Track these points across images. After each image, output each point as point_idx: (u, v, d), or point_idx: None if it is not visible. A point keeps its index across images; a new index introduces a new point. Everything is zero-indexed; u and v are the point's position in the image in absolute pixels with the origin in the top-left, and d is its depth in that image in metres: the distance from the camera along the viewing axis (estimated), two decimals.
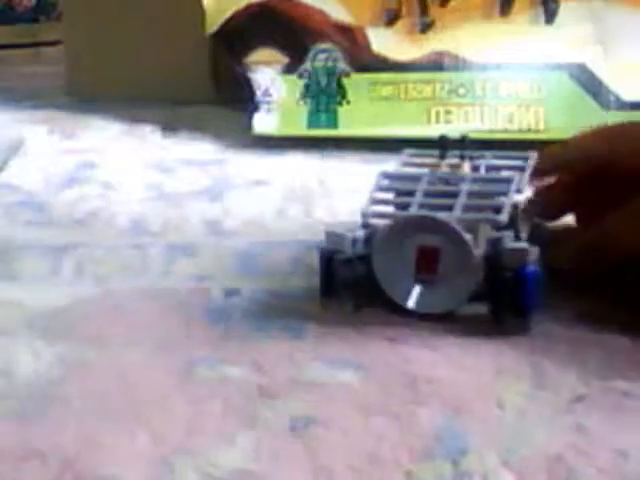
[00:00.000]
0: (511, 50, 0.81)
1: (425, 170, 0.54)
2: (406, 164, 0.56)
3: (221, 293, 0.53)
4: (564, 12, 0.82)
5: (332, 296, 0.51)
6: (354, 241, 0.50)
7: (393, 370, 0.44)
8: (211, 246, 0.60)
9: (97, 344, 0.47)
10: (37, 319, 0.50)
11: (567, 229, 0.55)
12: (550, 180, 0.55)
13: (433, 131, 0.80)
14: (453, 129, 0.80)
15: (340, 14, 0.85)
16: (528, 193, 0.53)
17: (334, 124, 0.82)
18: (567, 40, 0.81)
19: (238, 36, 0.88)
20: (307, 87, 0.83)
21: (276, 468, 0.37)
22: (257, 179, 0.74)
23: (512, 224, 0.50)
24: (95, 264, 0.58)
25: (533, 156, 0.55)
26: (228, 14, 0.89)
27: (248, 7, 0.87)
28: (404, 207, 0.51)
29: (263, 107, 0.84)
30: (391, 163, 0.57)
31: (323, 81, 0.83)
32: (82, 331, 0.49)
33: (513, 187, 0.51)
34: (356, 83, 0.83)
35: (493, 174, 0.55)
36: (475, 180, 0.52)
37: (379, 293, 0.49)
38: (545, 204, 0.54)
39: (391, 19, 0.85)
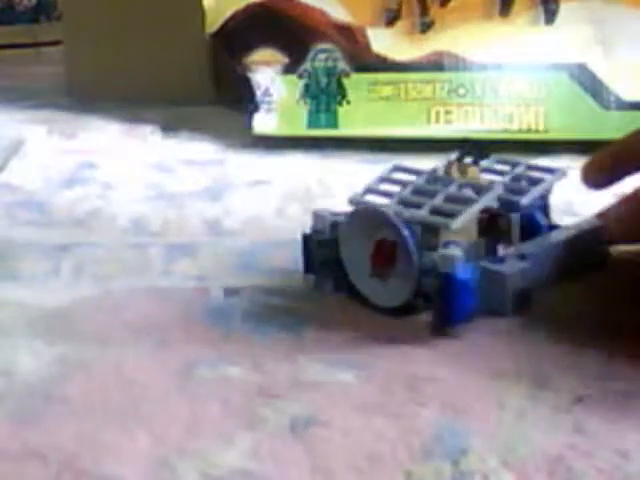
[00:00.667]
0: (511, 50, 0.81)
1: (437, 169, 0.54)
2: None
3: (221, 293, 0.53)
4: (564, 12, 0.82)
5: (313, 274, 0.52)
6: (334, 224, 0.51)
7: (393, 370, 0.44)
8: (211, 246, 0.60)
9: (97, 344, 0.47)
10: (37, 319, 0.50)
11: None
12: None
13: (433, 131, 0.80)
14: (453, 129, 0.80)
15: (340, 14, 0.85)
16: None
17: (334, 124, 0.82)
18: (567, 40, 0.81)
19: (238, 36, 0.88)
20: (307, 87, 0.83)
21: (276, 468, 0.37)
22: (257, 179, 0.74)
23: (489, 231, 0.50)
24: (95, 264, 0.58)
25: (560, 172, 0.55)
26: (228, 14, 0.89)
27: (248, 7, 0.87)
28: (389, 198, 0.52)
29: (263, 107, 0.84)
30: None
31: (323, 81, 0.83)
32: (82, 331, 0.49)
33: (489, 196, 0.51)
34: (356, 83, 0.83)
35: (478, 181, 0.54)
36: (461, 185, 0.52)
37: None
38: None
39: (391, 19, 0.85)
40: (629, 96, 0.79)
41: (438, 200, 0.50)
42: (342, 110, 0.82)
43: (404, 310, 0.48)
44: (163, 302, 0.52)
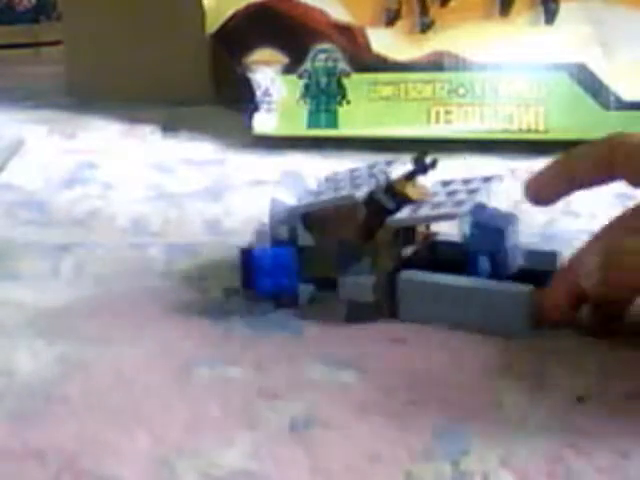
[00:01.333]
0: (511, 50, 0.81)
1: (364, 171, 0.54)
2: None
3: (221, 293, 0.53)
4: (564, 12, 0.82)
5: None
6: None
7: (393, 370, 0.44)
8: (211, 246, 0.60)
9: (97, 344, 0.47)
10: (37, 319, 0.50)
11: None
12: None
13: (433, 131, 0.80)
14: (453, 129, 0.80)
15: (340, 14, 0.85)
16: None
17: (334, 124, 0.82)
18: (567, 40, 0.81)
19: (238, 36, 0.88)
20: (307, 87, 0.83)
21: (276, 468, 0.37)
22: (257, 179, 0.74)
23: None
24: (95, 264, 0.58)
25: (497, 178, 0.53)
26: (228, 14, 0.89)
27: (248, 7, 0.87)
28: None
29: (263, 107, 0.84)
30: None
31: (323, 81, 0.83)
32: (82, 331, 0.49)
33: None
34: (356, 83, 0.83)
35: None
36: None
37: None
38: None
39: (391, 19, 0.85)
40: (629, 96, 0.79)
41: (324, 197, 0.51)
42: (342, 110, 0.82)
43: None
44: (163, 302, 0.52)
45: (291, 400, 0.42)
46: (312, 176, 0.73)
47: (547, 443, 0.38)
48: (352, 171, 0.55)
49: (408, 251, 0.51)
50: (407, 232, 0.50)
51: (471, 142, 0.80)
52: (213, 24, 0.91)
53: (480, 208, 0.49)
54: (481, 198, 0.50)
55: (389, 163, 0.54)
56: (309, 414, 0.40)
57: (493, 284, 0.47)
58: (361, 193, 0.50)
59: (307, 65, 0.84)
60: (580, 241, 0.59)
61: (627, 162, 0.48)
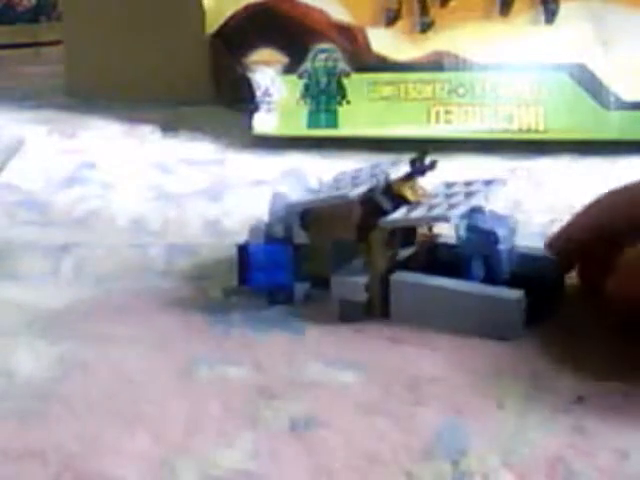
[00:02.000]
0: (511, 50, 0.81)
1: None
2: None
3: (221, 293, 0.53)
4: (564, 12, 0.82)
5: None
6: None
7: (393, 370, 0.44)
8: (211, 246, 0.60)
9: (97, 344, 0.47)
10: (37, 319, 0.50)
11: None
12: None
13: (433, 131, 0.80)
14: (453, 129, 0.80)
15: (340, 14, 0.85)
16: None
17: (334, 124, 0.82)
18: (567, 40, 0.81)
19: (238, 36, 0.88)
20: (307, 87, 0.83)
21: (276, 468, 0.37)
22: (257, 179, 0.74)
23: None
24: (95, 264, 0.58)
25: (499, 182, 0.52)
26: (228, 14, 0.89)
27: (248, 7, 0.87)
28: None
29: (263, 107, 0.84)
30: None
31: (323, 81, 0.83)
32: (82, 331, 0.49)
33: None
34: (356, 83, 0.83)
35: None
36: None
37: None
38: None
39: (391, 19, 0.85)
40: (629, 96, 0.79)
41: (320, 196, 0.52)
42: (342, 110, 0.82)
43: None
44: (163, 302, 0.52)
45: (291, 400, 0.42)
46: (312, 176, 0.73)
47: (547, 443, 0.38)
48: (357, 171, 0.55)
49: (407, 252, 0.50)
50: (406, 233, 0.50)
51: (471, 142, 0.80)
52: (213, 24, 0.91)
53: (476, 211, 0.49)
54: (478, 201, 0.49)
55: (394, 163, 0.54)
56: (309, 414, 0.40)
57: (482, 288, 0.47)
58: (355, 192, 0.50)
59: (307, 65, 0.84)
60: None
61: None
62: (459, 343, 0.46)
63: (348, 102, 0.82)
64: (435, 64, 0.82)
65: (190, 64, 0.97)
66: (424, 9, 0.85)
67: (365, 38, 0.84)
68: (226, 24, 0.90)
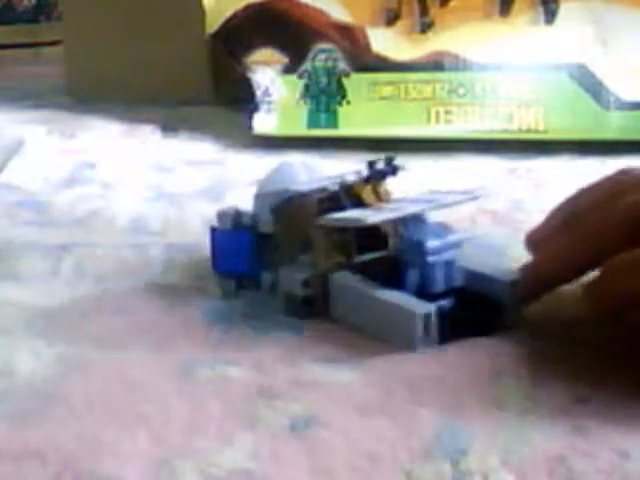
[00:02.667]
0: (511, 50, 0.81)
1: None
2: None
3: (221, 293, 0.53)
4: (564, 12, 0.82)
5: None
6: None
7: (393, 370, 0.44)
8: None
9: (97, 344, 0.47)
10: (37, 319, 0.50)
11: None
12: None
13: (433, 131, 0.81)
14: (453, 129, 0.81)
15: (340, 14, 0.85)
16: None
17: (334, 124, 0.82)
18: (567, 40, 0.81)
19: (238, 36, 0.88)
20: (307, 87, 0.83)
21: (276, 468, 0.37)
22: (257, 179, 0.74)
23: None
24: (95, 264, 0.58)
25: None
26: (228, 14, 0.89)
27: (248, 7, 0.87)
28: None
29: (263, 107, 0.84)
30: None
31: (323, 81, 0.83)
32: (82, 331, 0.49)
33: None
34: (356, 83, 0.83)
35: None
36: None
37: None
38: None
39: (391, 19, 0.85)
40: (629, 96, 0.79)
41: None
42: (342, 110, 0.82)
43: None
44: (163, 302, 0.52)
45: (291, 400, 0.42)
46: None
47: (547, 443, 0.38)
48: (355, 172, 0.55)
49: (370, 256, 0.50)
50: (370, 236, 0.50)
51: (471, 142, 0.80)
52: (213, 24, 0.91)
53: (417, 221, 0.49)
54: (419, 210, 0.49)
55: (387, 160, 0.53)
56: (309, 414, 0.40)
57: (399, 299, 0.47)
58: (308, 187, 0.50)
59: (307, 65, 0.84)
60: None
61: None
62: (458, 343, 0.46)
63: (348, 102, 0.82)
64: (435, 64, 0.82)
65: (190, 64, 0.97)
66: (424, 9, 0.85)
67: (365, 38, 0.84)
68: (226, 24, 0.90)
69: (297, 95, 0.83)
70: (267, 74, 0.85)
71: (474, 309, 0.47)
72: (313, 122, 0.83)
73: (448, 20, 0.84)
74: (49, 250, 0.60)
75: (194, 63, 0.97)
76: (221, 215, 0.54)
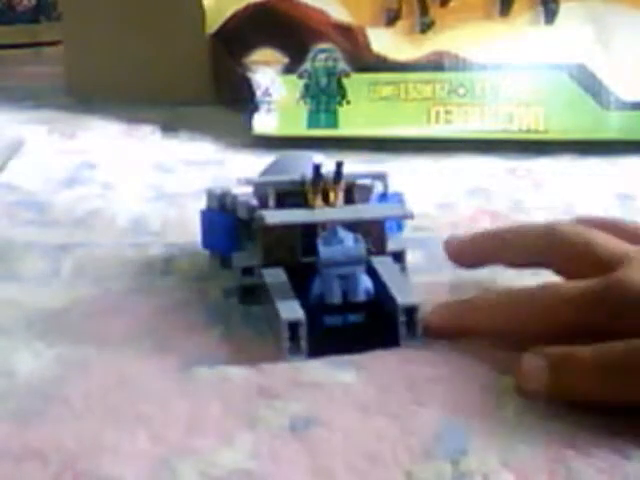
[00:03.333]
0: (511, 50, 0.81)
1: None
2: None
3: (220, 293, 0.53)
4: (564, 12, 0.82)
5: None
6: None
7: (393, 370, 0.44)
8: None
9: (97, 344, 0.47)
10: (37, 319, 0.50)
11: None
12: None
13: (433, 131, 0.81)
14: (453, 129, 0.80)
15: (340, 14, 0.85)
16: None
17: (334, 124, 0.82)
18: (567, 40, 0.81)
19: (238, 36, 0.88)
20: (307, 87, 0.83)
21: (276, 468, 0.37)
22: None
23: None
24: (95, 264, 0.58)
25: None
26: (228, 14, 0.89)
27: (248, 7, 0.87)
28: None
29: (263, 107, 0.84)
30: None
31: (323, 81, 0.83)
32: (82, 331, 0.49)
33: None
34: (356, 83, 0.83)
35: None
36: None
37: None
38: None
39: (391, 19, 0.85)
40: (629, 96, 0.79)
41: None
42: (342, 110, 0.82)
43: None
44: (163, 302, 0.52)
45: (291, 400, 0.42)
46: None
47: (547, 443, 0.38)
48: None
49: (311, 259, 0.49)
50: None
51: (471, 142, 0.80)
52: (213, 24, 0.91)
53: (335, 230, 0.48)
54: (337, 219, 0.49)
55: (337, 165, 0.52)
56: (309, 414, 0.40)
57: (280, 303, 0.46)
58: (261, 180, 0.52)
59: (307, 65, 0.84)
60: None
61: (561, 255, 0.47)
62: (459, 343, 0.46)
63: (348, 102, 0.82)
64: (435, 64, 0.82)
65: (190, 64, 0.97)
66: (424, 9, 0.85)
67: (365, 38, 0.84)
68: (226, 24, 0.90)
69: (297, 95, 0.83)
70: (267, 74, 0.85)
71: (368, 326, 0.46)
72: (313, 122, 0.83)
73: (448, 20, 0.84)
74: (49, 250, 0.60)
75: (194, 63, 0.97)
76: (209, 194, 0.56)
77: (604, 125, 0.79)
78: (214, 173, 0.76)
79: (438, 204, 0.67)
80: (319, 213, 0.49)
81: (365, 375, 0.44)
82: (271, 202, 0.51)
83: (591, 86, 0.79)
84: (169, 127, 0.89)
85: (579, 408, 0.40)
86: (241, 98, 0.86)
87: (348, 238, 0.47)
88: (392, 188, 0.54)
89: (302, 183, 0.50)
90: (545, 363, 0.41)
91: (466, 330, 0.47)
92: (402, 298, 0.46)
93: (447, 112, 0.81)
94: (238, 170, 0.76)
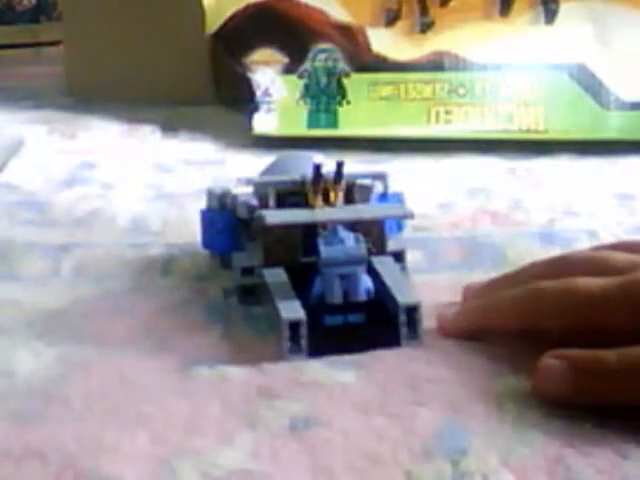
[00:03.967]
0: (511, 50, 0.82)
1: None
2: None
3: (220, 293, 0.53)
4: (564, 12, 0.82)
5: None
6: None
7: (393, 370, 0.44)
8: None
9: (97, 344, 0.47)
10: (37, 319, 0.50)
11: None
12: None
13: (433, 131, 0.81)
14: (453, 129, 0.81)
15: (340, 14, 0.85)
16: None
17: (334, 124, 0.82)
18: (567, 40, 0.81)
19: (238, 36, 0.88)
20: (307, 87, 0.83)
21: (276, 468, 0.37)
22: None
23: None
24: (95, 264, 0.58)
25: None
26: (228, 14, 0.89)
27: (248, 7, 0.87)
28: None
29: (263, 107, 0.84)
30: None
31: (323, 81, 0.83)
32: (82, 331, 0.49)
33: None
34: (356, 83, 0.83)
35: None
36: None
37: None
38: None
39: (391, 19, 0.85)
40: (629, 96, 0.79)
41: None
42: (342, 110, 0.82)
43: None
44: (163, 302, 0.52)
45: (291, 400, 0.42)
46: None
47: (547, 443, 0.38)
48: None
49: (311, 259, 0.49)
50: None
51: (471, 142, 0.80)
52: (213, 24, 0.91)
53: (338, 229, 0.48)
54: (336, 220, 0.49)
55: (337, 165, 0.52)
56: (309, 414, 0.40)
57: (281, 302, 0.46)
58: (261, 180, 0.52)
59: (307, 65, 0.84)
60: (579, 241, 0.59)
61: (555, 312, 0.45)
62: (459, 343, 0.46)
63: (348, 102, 0.82)
64: (435, 64, 0.82)
65: (190, 64, 0.97)
66: (424, 9, 0.85)
67: (365, 38, 0.84)
68: (226, 24, 0.90)
69: (297, 95, 0.83)
70: (267, 74, 0.85)
71: (369, 327, 0.46)
72: (313, 122, 0.83)
73: (448, 20, 0.84)
74: (49, 250, 0.60)
75: (194, 63, 0.97)
76: (209, 194, 0.56)
77: (604, 125, 0.79)
78: (214, 173, 0.76)
79: (438, 204, 0.67)
80: (319, 213, 0.50)
81: (365, 375, 0.44)
82: (271, 202, 0.51)
83: (591, 86, 0.79)
84: (169, 127, 0.89)
85: (579, 408, 0.40)
86: (241, 98, 0.86)
87: (349, 238, 0.47)
88: (392, 188, 0.54)
89: (302, 183, 0.50)
90: (568, 366, 0.40)
91: (484, 331, 0.46)
92: (402, 298, 0.46)
93: (447, 112, 0.81)
94: (238, 170, 0.76)
